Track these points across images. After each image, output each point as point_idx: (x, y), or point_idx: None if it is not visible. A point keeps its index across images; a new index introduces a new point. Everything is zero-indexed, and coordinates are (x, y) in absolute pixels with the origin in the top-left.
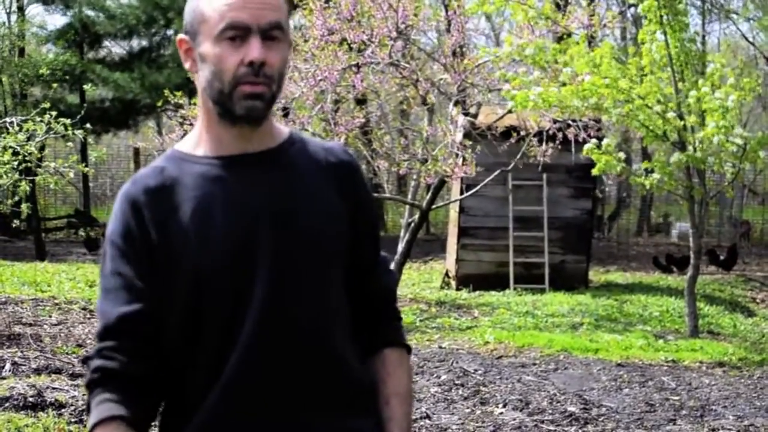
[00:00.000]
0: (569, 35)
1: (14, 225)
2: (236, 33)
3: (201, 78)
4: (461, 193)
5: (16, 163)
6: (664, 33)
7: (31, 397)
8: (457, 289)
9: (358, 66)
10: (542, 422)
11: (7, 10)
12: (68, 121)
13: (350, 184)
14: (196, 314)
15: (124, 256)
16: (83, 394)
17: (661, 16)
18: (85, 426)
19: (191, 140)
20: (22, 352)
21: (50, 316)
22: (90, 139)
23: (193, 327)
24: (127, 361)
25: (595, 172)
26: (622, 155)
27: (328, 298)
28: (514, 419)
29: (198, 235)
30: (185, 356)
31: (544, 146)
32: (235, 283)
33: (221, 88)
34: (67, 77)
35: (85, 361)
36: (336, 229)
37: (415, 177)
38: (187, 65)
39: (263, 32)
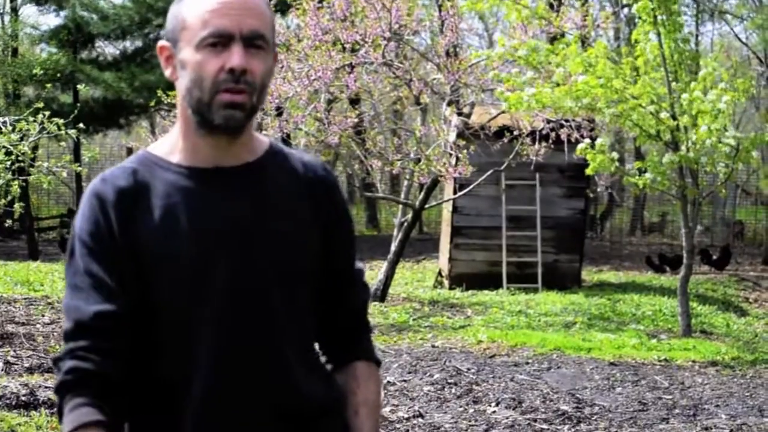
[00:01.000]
0: (562, 35)
1: (7, 225)
2: (218, 40)
3: (180, 85)
4: (454, 192)
5: (9, 162)
6: (658, 33)
7: (24, 396)
8: (450, 288)
9: (351, 66)
10: (535, 421)
11: (1, 11)
12: (61, 121)
13: (327, 201)
14: (157, 324)
15: (94, 253)
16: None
17: (655, 17)
18: None
19: (166, 145)
20: (14, 351)
21: (43, 315)
22: (83, 139)
23: (152, 336)
24: (101, 361)
25: (588, 171)
26: (615, 155)
27: (298, 312)
28: (507, 418)
29: (161, 246)
30: (148, 364)
31: (537, 146)
32: (192, 302)
33: (200, 96)
34: (60, 77)
35: (55, 362)
36: (306, 249)
37: (408, 176)
38: (167, 72)
39: (246, 40)
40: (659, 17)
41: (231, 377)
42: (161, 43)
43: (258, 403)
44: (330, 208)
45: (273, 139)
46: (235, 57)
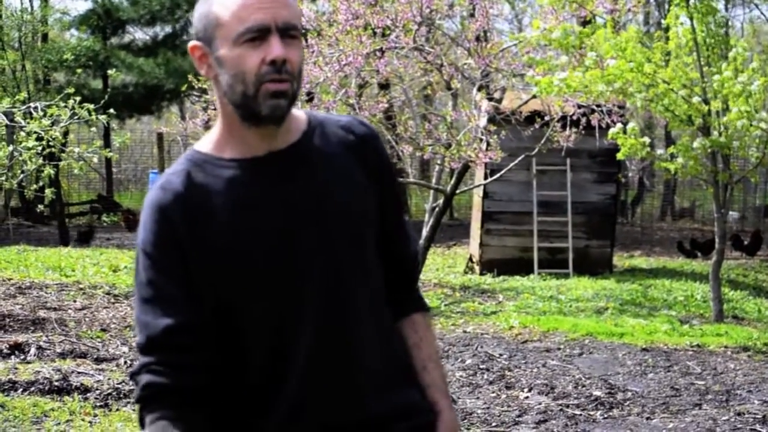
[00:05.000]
0: (593, 20)
1: (38, 210)
2: (256, 34)
3: (221, 82)
4: (485, 178)
5: (40, 148)
6: (691, 17)
7: (57, 381)
8: (481, 273)
9: (382, 51)
10: (567, 406)
11: None
12: (92, 107)
13: (373, 156)
14: (242, 318)
15: (159, 265)
16: (108, 378)
17: (688, 0)
18: (110, 409)
19: (213, 142)
20: (47, 336)
21: (75, 301)
22: (113, 125)
23: (238, 332)
24: (177, 375)
25: (620, 156)
26: (646, 140)
27: (371, 278)
28: (540, 403)
29: (232, 243)
30: (236, 362)
31: (567, 131)
32: (285, 282)
33: (244, 89)
34: (91, 63)
35: (132, 376)
36: (369, 208)
37: (439, 162)
38: (202, 71)
39: (281, 31)
40: (692, 1)
41: (325, 370)
42: (193, 43)
43: (348, 391)
44: (377, 160)
45: (307, 111)
46: (276, 49)
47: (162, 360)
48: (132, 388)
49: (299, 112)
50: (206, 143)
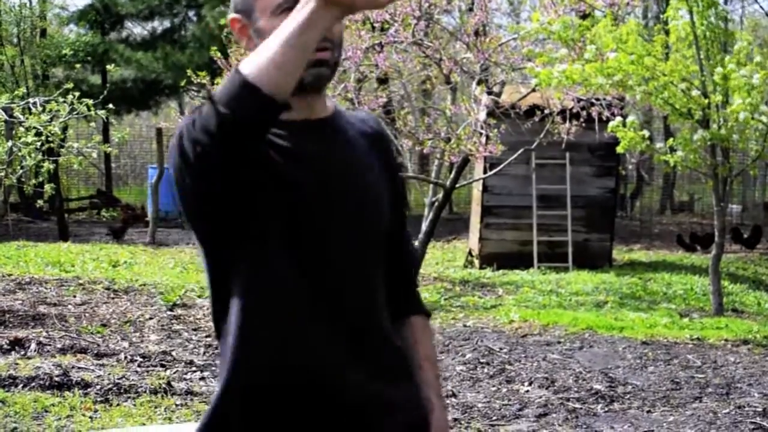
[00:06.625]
0: (592, 12)
1: (37, 205)
2: (295, 4)
3: None
4: (485, 171)
5: (39, 143)
6: (690, 11)
7: (57, 376)
8: (481, 267)
9: (381, 45)
10: (568, 400)
11: None
12: (91, 102)
13: (389, 154)
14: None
15: None
16: (109, 374)
17: None
18: (110, 404)
19: None
20: (47, 331)
21: (74, 296)
22: (112, 120)
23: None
24: None
25: (619, 149)
26: (646, 133)
27: (380, 260)
28: (540, 397)
29: (291, 176)
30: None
31: (567, 125)
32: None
33: None
34: (90, 58)
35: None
36: (386, 195)
37: (438, 156)
38: (243, 43)
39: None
40: None
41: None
42: (232, 15)
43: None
44: (392, 159)
45: (332, 99)
46: None
47: None
48: (133, 383)
49: (327, 98)
50: None
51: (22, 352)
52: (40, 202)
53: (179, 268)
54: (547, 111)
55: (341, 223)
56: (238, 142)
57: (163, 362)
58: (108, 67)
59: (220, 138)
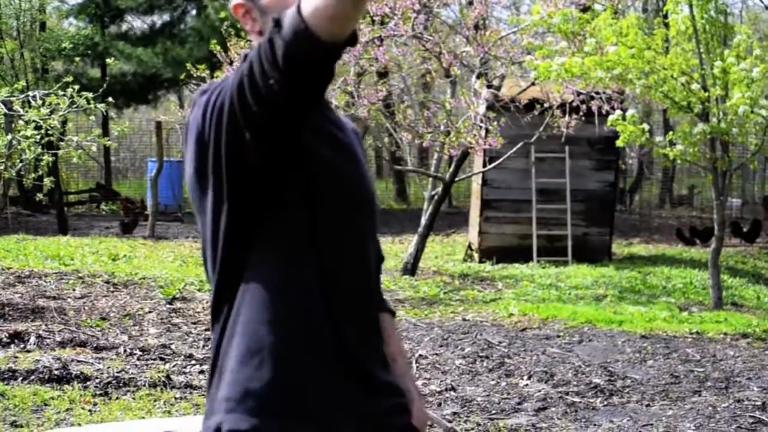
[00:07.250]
0: (592, 5)
1: (37, 199)
2: None
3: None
4: (484, 165)
5: (38, 137)
6: (690, 5)
7: (57, 370)
8: (480, 261)
9: (381, 39)
10: (567, 394)
11: None
12: (90, 95)
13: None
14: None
15: None
16: (108, 367)
17: None
18: (110, 398)
19: None
20: (46, 325)
21: (74, 290)
22: (112, 113)
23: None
24: None
25: (619, 143)
26: (646, 127)
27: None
28: (539, 391)
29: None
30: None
31: (567, 118)
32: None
33: None
34: (89, 52)
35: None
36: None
37: (438, 149)
38: (247, 27)
39: None
40: None
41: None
42: (235, 1)
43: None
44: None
45: None
46: None
47: None
48: (132, 376)
49: None
50: None
51: (22, 346)
52: (39, 195)
53: (179, 261)
54: (546, 104)
55: (362, 214)
56: (304, 80)
57: (163, 356)
58: (108, 60)
59: (288, 71)
